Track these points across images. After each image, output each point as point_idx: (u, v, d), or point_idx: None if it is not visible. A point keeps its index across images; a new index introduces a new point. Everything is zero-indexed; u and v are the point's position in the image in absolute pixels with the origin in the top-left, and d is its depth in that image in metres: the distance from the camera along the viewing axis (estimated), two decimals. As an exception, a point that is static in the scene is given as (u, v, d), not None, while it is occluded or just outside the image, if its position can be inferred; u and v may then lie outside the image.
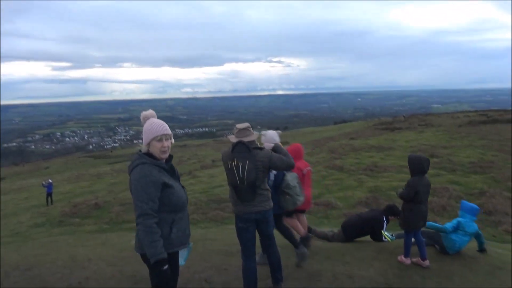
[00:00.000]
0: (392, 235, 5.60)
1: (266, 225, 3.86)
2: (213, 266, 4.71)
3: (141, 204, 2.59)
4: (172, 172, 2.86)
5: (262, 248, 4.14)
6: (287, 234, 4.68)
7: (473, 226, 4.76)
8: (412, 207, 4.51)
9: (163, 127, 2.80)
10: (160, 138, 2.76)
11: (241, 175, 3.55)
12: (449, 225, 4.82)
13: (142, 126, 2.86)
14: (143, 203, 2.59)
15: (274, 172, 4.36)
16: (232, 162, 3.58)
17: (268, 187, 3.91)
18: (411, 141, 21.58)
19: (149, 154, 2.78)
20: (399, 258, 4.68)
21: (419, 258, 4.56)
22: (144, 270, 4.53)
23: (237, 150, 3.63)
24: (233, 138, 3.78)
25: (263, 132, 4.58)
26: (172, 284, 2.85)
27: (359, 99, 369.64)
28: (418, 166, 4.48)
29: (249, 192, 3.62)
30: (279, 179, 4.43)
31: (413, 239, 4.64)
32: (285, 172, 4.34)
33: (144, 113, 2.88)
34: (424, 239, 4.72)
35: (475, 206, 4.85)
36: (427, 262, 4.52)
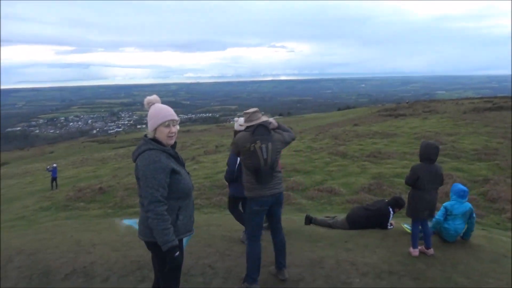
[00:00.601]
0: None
1: (279, 207, 3.93)
2: (217, 252, 4.73)
3: (151, 191, 2.55)
4: (177, 158, 2.83)
5: (270, 231, 4.13)
6: (240, 217, 5.00)
7: (462, 207, 4.74)
8: (414, 194, 4.53)
9: (171, 112, 2.75)
10: (168, 124, 2.72)
11: (265, 157, 3.58)
12: (439, 214, 4.82)
13: (146, 111, 2.81)
14: (153, 189, 2.55)
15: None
16: (254, 145, 3.57)
17: (280, 169, 3.94)
18: (415, 127, 21.44)
19: (155, 140, 2.72)
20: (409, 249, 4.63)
21: (424, 246, 4.56)
22: (147, 255, 4.55)
23: (259, 132, 3.64)
24: (244, 124, 3.81)
25: (236, 118, 5.03)
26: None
27: (363, 85, 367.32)
28: (423, 153, 4.49)
29: (270, 174, 3.68)
30: None
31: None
32: None
33: (148, 98, 2.82)
34: (432, 231, 4.70)
35: (462, 187, 4.81)
36: (431, 251, 4.52)
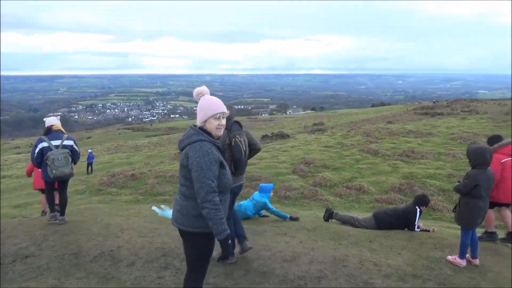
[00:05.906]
0: None
1: (235, 197, 4.33)
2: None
3: (208, 182, 2.59)
4: (222, 152, 2.86)
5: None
6: (53, 200, 5.84)
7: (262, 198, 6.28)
8: (468, 201, 4.20)
9: (221, 104, 2.80)
10: (218, 116, 2.76)
11: (244, 148, 4.04)
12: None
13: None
14: (210, 180, 2.59)
15: (42, 145, 5.49)
16: (235, 139, 4.01)
17: None
18: (452, 127, 20.64)
19: (205, 131, 2.76)
20: (450, 258, 4.37)
21: (470, 256, 4.34)
22: (172, 243, 4.68)
23: (236, 128, 4.10)
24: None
25: (45, 118, 5.93)
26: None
27: (400, 82, 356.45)
28: (479, 157, 4.15)
29: (245, 164, 4.23)
30: (46, 152, 5.46)
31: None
32: (51, 148, 5.50)
33: (198, 89, 2.86)
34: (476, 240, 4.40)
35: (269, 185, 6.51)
36: (477, 261, 4.29)
